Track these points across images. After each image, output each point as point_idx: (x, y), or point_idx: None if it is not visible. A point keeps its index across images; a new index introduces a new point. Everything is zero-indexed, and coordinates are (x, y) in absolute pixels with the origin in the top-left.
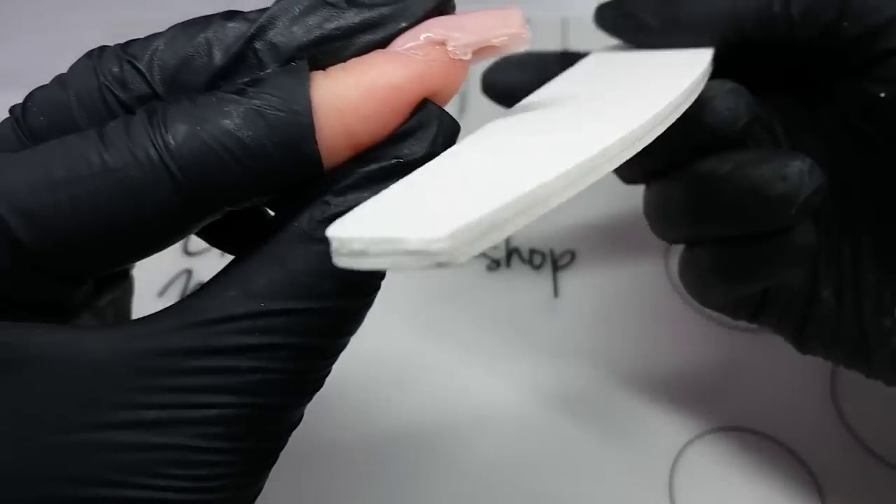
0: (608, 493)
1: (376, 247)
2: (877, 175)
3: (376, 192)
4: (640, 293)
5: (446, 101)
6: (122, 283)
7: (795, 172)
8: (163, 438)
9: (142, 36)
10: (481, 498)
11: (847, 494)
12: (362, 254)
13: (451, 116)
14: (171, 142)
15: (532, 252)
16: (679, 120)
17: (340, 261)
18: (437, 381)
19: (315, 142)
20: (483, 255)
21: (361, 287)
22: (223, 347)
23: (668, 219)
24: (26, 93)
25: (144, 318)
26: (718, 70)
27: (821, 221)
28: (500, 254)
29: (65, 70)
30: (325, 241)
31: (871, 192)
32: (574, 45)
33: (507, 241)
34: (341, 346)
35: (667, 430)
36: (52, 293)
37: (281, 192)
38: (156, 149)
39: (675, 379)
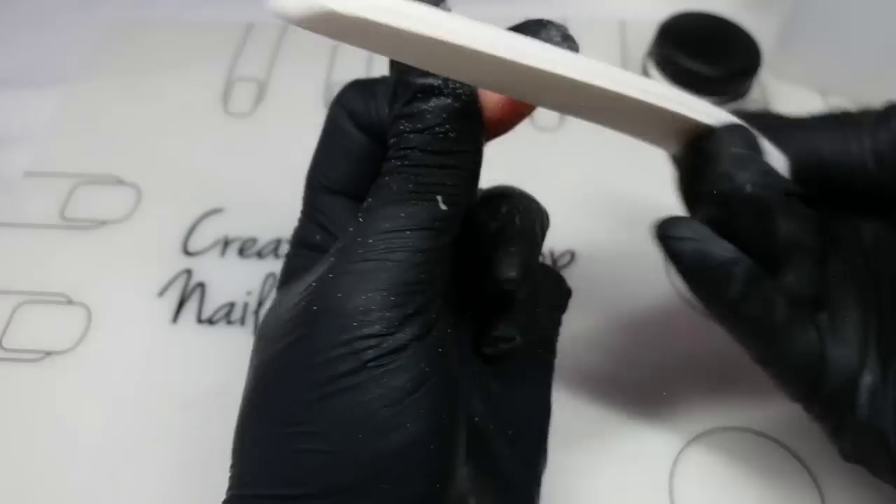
0: (608, 492)
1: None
2: None
3: None
4: (640, 293)
5: None
6: None
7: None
8: None
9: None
10: None
11: (847, 494)
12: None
13: None
14: None
15: None
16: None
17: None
18: None
19: None
20: None
21: None
22: None
23: None
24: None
25: None
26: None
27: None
28: None
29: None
30: None
31: None
32: None
33: None
34: None
35: (667, 430)
36: None
37: None
38: None
39: (676, 379)
